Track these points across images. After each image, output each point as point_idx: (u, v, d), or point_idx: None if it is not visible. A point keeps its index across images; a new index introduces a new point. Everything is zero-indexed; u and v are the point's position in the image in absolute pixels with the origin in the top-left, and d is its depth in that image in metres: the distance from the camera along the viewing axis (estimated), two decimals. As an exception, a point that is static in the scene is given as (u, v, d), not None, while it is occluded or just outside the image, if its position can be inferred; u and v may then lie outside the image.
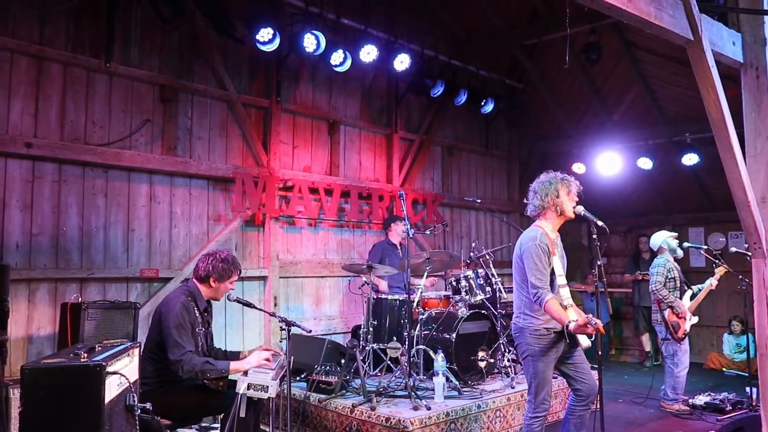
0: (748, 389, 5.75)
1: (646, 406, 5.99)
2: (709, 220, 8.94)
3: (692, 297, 5.82)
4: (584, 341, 3.63)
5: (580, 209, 3.68)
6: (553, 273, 3.56)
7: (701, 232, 9.03)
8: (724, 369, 7.93)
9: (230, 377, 3.57)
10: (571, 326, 3.37)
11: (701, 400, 5.81)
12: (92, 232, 5.06)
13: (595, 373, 5.72)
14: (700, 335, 8.70)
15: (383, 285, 6.14)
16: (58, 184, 4.90)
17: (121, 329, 4.42)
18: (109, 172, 5.18)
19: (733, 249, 5.78)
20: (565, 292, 3.53)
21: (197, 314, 3.66)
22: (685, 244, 6.36)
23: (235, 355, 3.90)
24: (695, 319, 5.79)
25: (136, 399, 2.81)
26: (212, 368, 3.48)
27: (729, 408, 5.63)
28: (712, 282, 5.81)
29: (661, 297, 5.68)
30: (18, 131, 4.68)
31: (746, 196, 3.74)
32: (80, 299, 4.53)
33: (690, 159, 7.69)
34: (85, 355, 2.60)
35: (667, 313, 5.68)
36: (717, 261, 5.91)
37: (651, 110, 8.26)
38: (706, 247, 6.36)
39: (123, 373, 2.72)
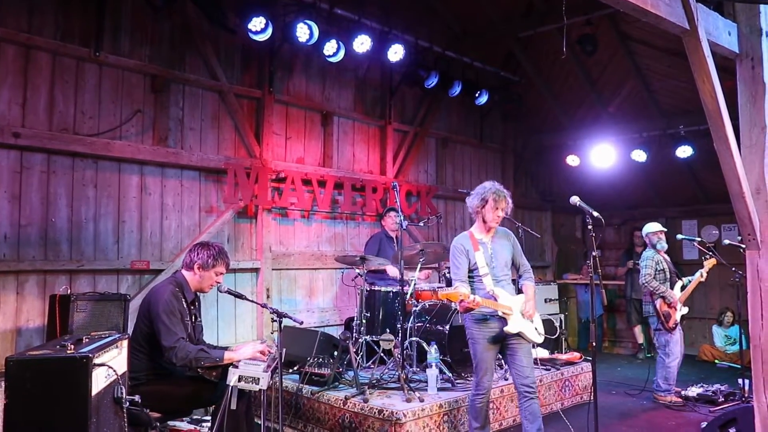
0: (740, 381, 5.77)
1: (640, 398, 6.00)
2: (703, 213, 8.97)
3: (682, 288, 5.86)
4: (531, 335, 3.92)
5: (576, 200, 3.70)
6: (476, 267, 3.93)
7: (695, 224, 9.06)
8: (716, 361, 7.96)
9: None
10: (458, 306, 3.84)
11: (694, 391, 5.83)
12: (82, 224, 5.00)
13: (588, 365, 5.72)
14: (693, 327, 8.74)
15: (393, 270, 6.03)
16: (47, 174, 4.84)
17: (112, 321, 4.37)
18: (99, 163, 5.12)
19: (727, 241, 5.80)
20: (487, 281, 3.90)
21: (185, 305, 3.62)
22: (678, 236, 6.38)
23: (225, 349, 3.86)
24: (685, 310, 5.85)
25: (124, 391, 2.78)
26: (206, 356, 3.44)
27: (721, 399, 5.65)
28: (702, 273, 5.86)
29: (651, 288, 5.72)
30: (5, 121, 4.61)
31: (741, 187, 3.71)
32: (69, 291, 4.48)
33: (684, 151, 7.69)
34: (72, 346, 2.56)
35: (659, 303, 5.73)
36: (708, 253, 5.94)
37: (646, 103, 8.24)
38: (699, 239, 6.37)
39: (111, 365, 2.68)
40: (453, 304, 5.37)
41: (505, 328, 3.84)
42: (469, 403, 4.05)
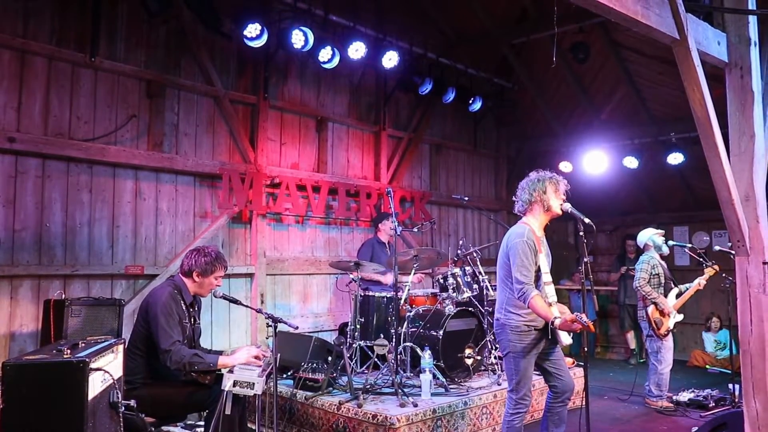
0: (730, 386, 5.81)
1: (631, 403, 6.03)
2: (694, 219, 9.03)
3: (678, 295, 5.88)
4: (565, 338, 3.69)
5: (568, 206, 3.72)
6: (539, 270, 3.60)
7: (686, 230, 9.12)
8: (707, 366, 8.02)
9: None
10: (557, 322, 3.39)
11: (685, 396, 5.87)
12: (76, 229, 5.00)
13: (580, 371, 5.76)
14: (684, 333, 8.79)
15: (389, 278, 5.97)
16: (42, 179, 4.84)
17: (106, 326, 4.37)
18: (93, 168, 5.12)
19: (717, 247, 5.84)
20: (550, 290, 3.59)
21: (183, 308, 3.64)
22: (670, 243, 6.42)
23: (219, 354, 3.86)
24: (680, 317, 5.85)
25: (120, 396, 2.78)
26: (200, 361, 3.45)
27: (712, 404, 5.70)
28: (700, 281, 5.87)
29: (644, 293, 5.75)
30: (0, 125, 4.61)
31: (730, 194, 3.76)
32: (64, 296, 4.47)
33: (675, 158, 7.76)
34: (68, 351, 2.57)
35: (650, 309, 5.75)
36: (707, 262, 5.95)
37: (638, 110, 8.33)
38: (690, 245, 6.42)
39: (107, 369, 2.68)
40: (446, 309, 5.43)
41: (565, 341, 3.64)
42: (506, 426, 3.70)
